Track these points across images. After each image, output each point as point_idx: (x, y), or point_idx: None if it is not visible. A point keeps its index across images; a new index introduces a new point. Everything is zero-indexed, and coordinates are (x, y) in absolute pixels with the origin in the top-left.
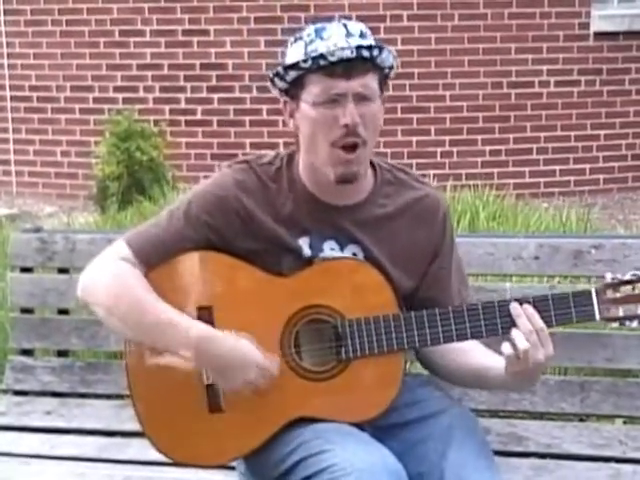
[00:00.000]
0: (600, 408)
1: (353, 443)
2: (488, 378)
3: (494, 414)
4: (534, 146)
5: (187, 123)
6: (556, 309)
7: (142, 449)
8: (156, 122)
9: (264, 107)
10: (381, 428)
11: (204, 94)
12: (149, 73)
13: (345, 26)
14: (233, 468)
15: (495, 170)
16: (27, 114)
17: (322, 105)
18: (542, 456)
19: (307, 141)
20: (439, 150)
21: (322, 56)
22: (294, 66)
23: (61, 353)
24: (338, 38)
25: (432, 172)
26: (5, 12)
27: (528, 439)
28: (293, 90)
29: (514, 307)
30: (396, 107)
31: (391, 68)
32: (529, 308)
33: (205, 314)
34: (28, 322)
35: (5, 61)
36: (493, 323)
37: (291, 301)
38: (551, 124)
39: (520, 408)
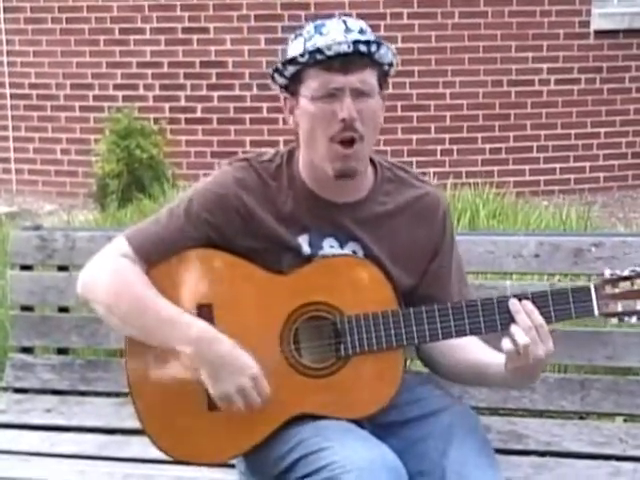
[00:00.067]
0: (600, 406)
1: (352, 440)
2: (488, 375)
3: (494, 412)
4: (534, 144)
5: (187, 121)
6: (555, 305)
7: (142, 447)
8: (156, 120)
9: (264, 105)
10: (381, 426)
11: (204, 92)
12: (149, 71)
13: (345, 22)
14: (233, 466)
15: (495, 168)
16: (27, 112)
17: (320, 100)
18: (542, 454)
19: (306, 137)
20: (439, 148)
21: (319, 50)
22: (292, 61)
23: (61, 351)
24: (337, 33)
25: (432, 170)
26: (5, 10)
27: (528, 437)
28: (292, 86)
29: (513, 303)
30: (396, 105)
31: (390, 65)
32: (528, 304)
33: (205, 312)
34: (28, 320)
35: (5, 59)
36: (492, 319)
37: (290, 298)
38: (551, 122)
39: (520, 406)
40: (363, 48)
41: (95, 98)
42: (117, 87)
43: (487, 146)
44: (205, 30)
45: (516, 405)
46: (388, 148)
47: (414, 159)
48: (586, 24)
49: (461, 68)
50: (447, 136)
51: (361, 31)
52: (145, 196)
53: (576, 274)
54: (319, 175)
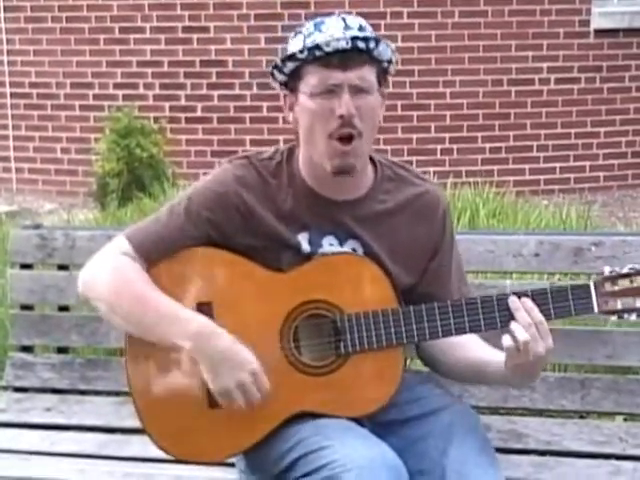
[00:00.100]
0: (600, 405)
1: (352, 438)
2: (487, 373)
3: (494, 411)
4: (534, 143)
5: (187, 120)
6: (555, 302)
7: (142, 446)
8: (156, 119)
9: (264, 104)
10: (381, 424)
11: (204, 91)
12: (149, 70)
13: (344, 20)
14: (233, 465)
15: (495, 167)
16: (27, 111)
17: (319, 96)
18: (542, 453)
19: (306, 133)
20: (439, 147)
21: (318, 46)
22: (291, 57)
23: (61, 350)
24: (336, 30)
25: (432, 169)
26: (5, 9)
27: (528, 436)
28: (292, 82)
29: (512, 301)
30: (396, 104)
31: (390, 62)
32: (528, 301)
33: (205, 310)
34: (28, 319)
35: (5, 58)
36: (492, 317)
37: (290, 296)
38: (551, 121)
39: (520, 405)
40: (362, 45)
41: (95, 97)
42: (117, 86)
43: (487, 145)
44: (205, 29)
45: (516, 404)
46: (388, 147)
47: (414, 158)
48: (586, 23)
49: (461, 67)
50: (447, 135)
51: (360, 28)
52: (145, 195)
53: (576, 273)
54: (318, 172)
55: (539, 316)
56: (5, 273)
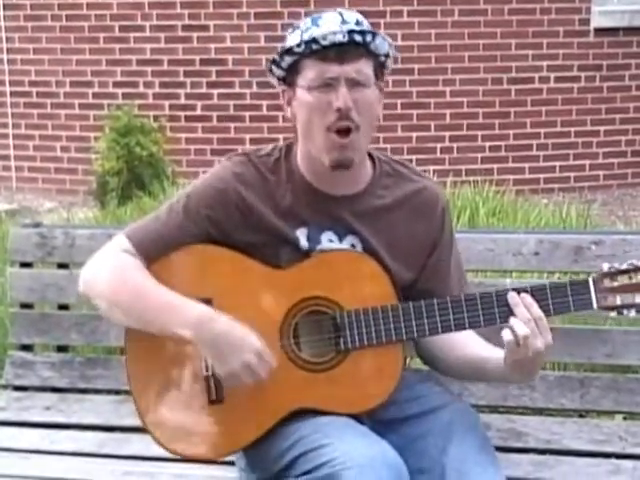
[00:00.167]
0: (600, 404)
1: (353, 437)
2: (486, 370)
3: (494, 410)
4: (534, 142)
5: (187, 118)
6: (554, 298)
7: (142, 444)
8: (156, 117)
9: (264, 103)
10: (380, 422)
11: (204, 89)
12: (149, 68)
13: (341, 14)
14: (233, 463)
15: (495, 166)
16: (27, 109)
17: (317, 89)
18: (542, 452)
19: (304, 127)
20: (439, 146)
21: (315, 40)
22: (289, 51)
23: (61, 348)
24: (332, 24)
25: (432, 168)
26: (5, 7)
27: (528, 435)
28: (290, 77)
29: (512, 296)
30: (396, 103)
31: (387, 56)
32: (527, 297)
33: None
34: (28, 317)
35: (5, 56)
36: (491, 313)
37: (290, 293)
38: (551, 120)
39: (520, 404)
40: (358, 38)
41: (95, 96)
42: (117, 84)
43: (487, 144)
44: (205, 28)
45: (516, 403)
46: (388, 146)
47: (414, 157)
48: (586, 22)
49: (461, 66)
50: (447, 134)
51: (357, 22)
52: (145, 194)
53: (576, 272)
54: (317, 167)
55: (538, 312)
56: (5, 272)
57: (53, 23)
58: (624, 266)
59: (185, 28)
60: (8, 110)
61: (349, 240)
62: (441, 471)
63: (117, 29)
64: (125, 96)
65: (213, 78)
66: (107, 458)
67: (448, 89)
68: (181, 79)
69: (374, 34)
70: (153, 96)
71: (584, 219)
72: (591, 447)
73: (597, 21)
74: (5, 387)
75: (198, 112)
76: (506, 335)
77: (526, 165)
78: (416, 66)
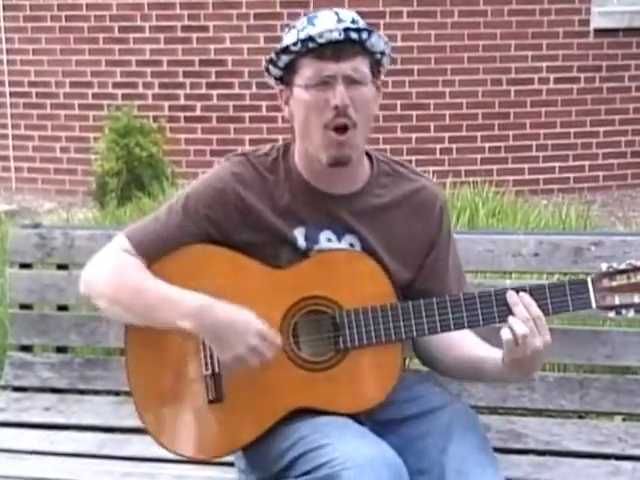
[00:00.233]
0: (599, 405)
1: (352, 437)
2: (485, 370)
3: (493, 411)
4: (533, 143)
5: (186, 119)
6: (552, 298)
7: (141, 445)
8: (155, 118)
9: (263, 103)
10: (380, 423)
11: (203, 90)
12: (148, 69)
13: (337, 13)
14: (232, 464)
15: (494, 167)
16: (26, 110)
17: (314, 87)
18: (541, 453)
19: (301, 126)
20: (438, 147)
21: (311, 38)
22: (285, 50)
23: (60, 349)
24: (328, 22)
25: (431, 169)
26: (4, 7)
27: (527, 436)
28: (287, 76)
29: (511, 295)
30: (395, 104)
31: (383, 54)
32: (526, 297)
33: None
34: (27, 318)
35: (4, 57)
36: (490, 312)
37: (290, 293)
38: (550, 121)
39: (519, 405)
40: (354, 35)
41: (94, 96)
42: (116, 85)
43: (486, 145)
44: (204, 28)
45: (515, 404)
46: (387, 147)
47: (413, 158)
48: (586, 23)
49: (460, 67)
50: (446, 135)
51: (353, 21)
52: (144, 194)
53: (575, 273)
54: (315, 166)
55: (537, 311)
56: (4, 272)
57: (53, 24)
58: (623, 266)
59: (185, 29)
60: (7, 111)
61: (347, 239)
62: (440, 471)
63: (117, 30)
64: (125, 97)
65: (213, 79)
66: (107, 459)
67: (448, 90)
68: (181, 80)
69: (370, 32)
70: (153, 97)
71: (584, 220)
72: (590, 448)
73: (597, 22)
74: (4, 388)
75: (198, 113)
76: (505, 334)
77: (526, 166)
78: (416, 67)
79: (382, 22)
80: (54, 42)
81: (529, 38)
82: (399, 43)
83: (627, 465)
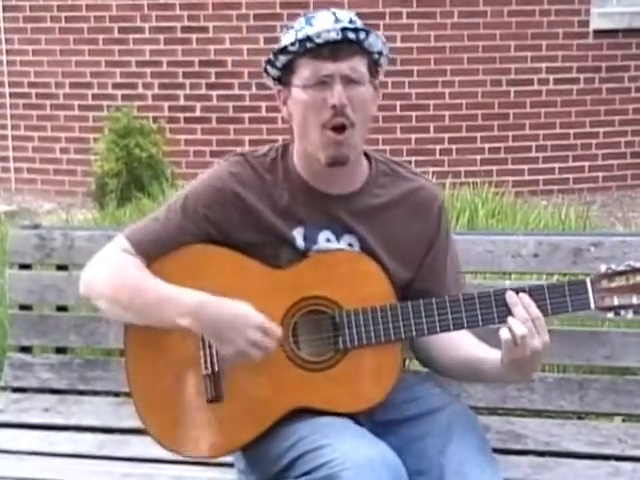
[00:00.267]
0: (599, 406)
1: (352, 438)
2: (484, 370)
3: (493, 412)
4: (533, 144)
5: (186, 120)
6: (551, 298)
7: (141, 446)
8: (155, 119)
9: (263, 104)
10: (379, 424)
11: (203, 91)
12: (148, 70)
13: (334, 14)
14: (232, 465)
15: (494, 168)
16: (26, 111)
17: (312, 87)
18: (541, 454)
19: (299, 126)
20: (438, 147)
21: (309, 38)
22: (283, 50)
23: (60, 350)
24: (326, 23)
25: (431, 169)
26: (4, 8)
27: (527, 437)
28: (285, 76)
29: (510, 296)
30: (395, 104)
31: (380, 53)
32: (525, 297)
33: None
34: (27, 319)
35: (4, 57)
36: (489, 312)
37: (289, 293)
38: (550, 122)
39: (519, 406)
40: (352, 35)
41: (94, 97)
42: (116, 86)
43: (486, 145)
44: (204, 29)
45: (515, 405)
46: (387, 147)
47: (413, 158)
48: (585, 23)
49: (460, 68)
50: (446, 135)
51: (350, 21)
52: (144, 195)
53: (575, 274)
54: (313, 166)
55: (536, 312)
56: (4, 273)
57: (52, 24)
58: (621, 267)
59: (184, 30)
60: (7, 111)
61: (346, 239)
62: (439, 472)
63: (116, 30)
64: (124, 97)
65: (212, 79)
66: (106, 460)
67: (447, 91)
68: (180, 80)
69: (367, 32)
70: (152, 97)
71: (583, 221)
72: (590, 449)
73: (596, 23)
74: (4, 389)
75: (197, 113)
76: (504, 334)
77: (525, 167)
78: (415, 68)
79: (382, 23)
80: (54, 43)
81: (529, 39)
82: (399, 44)
83: (627, 466)
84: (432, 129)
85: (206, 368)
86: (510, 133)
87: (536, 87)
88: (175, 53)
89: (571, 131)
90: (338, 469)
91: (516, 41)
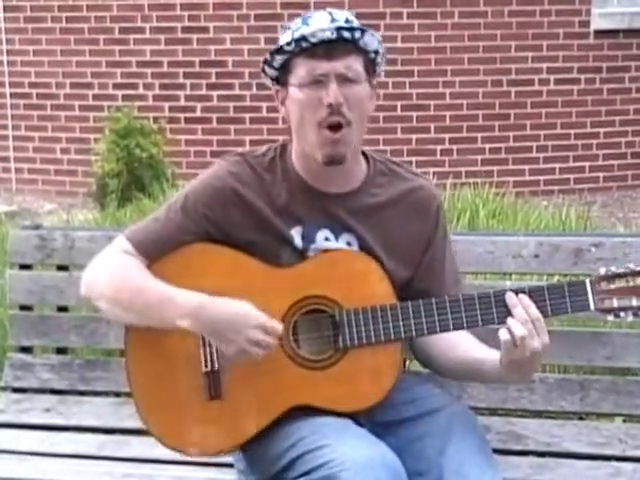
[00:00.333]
0: (600, 406)
1: (351, 438)
2: (483, 371)
3: (493, 412)
4: (534, 144)
5: (187, 120)
6: (551, 299)
7: (141, 447)
8: (155, 119)
9: (264, 104)
10: (378, 424)
11: (204, 91)
12: (149, 70)
13: (331, 13)
14: (232, 466)
15: (495, 168)
16: (26, 111)
17: (307, 86)
18: (541, 454)
19: (297, 125)
20: (439, 148)
21: (304, 38)
22: (279, 50)
23: (60, 350)
24: (322, 22)
25: (432, 170)
26: (5, 9)
27: (527, 437)
28: (282, 76)
29: (510, 297)
30: (396, 105)
31: (376, 53)
32: (525, 298)
33: None
34: (27, 319)
35: (5, 58)
36: (489, 313)
37: (290, 292)
38: (551, 122)
39: (519, 406)
40: (346, 34)
41: (95, 97)
42: (117, 86)
43: (487, 146)
44: (205, 29)
45: (515, 405)
46: (388, 147)
47: (414, 159)
48: (586, 24)
49: (461, 68)
50: (447, 136)
51: (347, 21)
52: (145, 195)
53: (576, 274)
54: (311, 165)
55: (536, 312)
56: (4, 273)
57: (53, 25)
58: (621, 270)
59: (185, 30)
60: (8, 112)
61: (345, 238)
62: (439, 473)
63: (117, 31)
64: (125, 98)
65: (213, 80)
66: (106, 460)
67: (448, 91)
68: (181, 81)
69: (363, 30)
70: (153, 98)
71: (584, 221)
72: (591, 450)
73: (597, 23)
74: (4, 389)
75: (198, 114)
76: (503, 335)
77: (526, 167)
78: (416, 68)
79: (382, 23)
80: (54, 43)
81: (529, 39)
82: (399, 44)
83: (627, 466)
84: (433, 129)
85: (206, 366)
86: (511, 133)
87: (537, 87)
88: (176, 53)
89: (572, 131)
90: (337, 469)
91: (517, 41)
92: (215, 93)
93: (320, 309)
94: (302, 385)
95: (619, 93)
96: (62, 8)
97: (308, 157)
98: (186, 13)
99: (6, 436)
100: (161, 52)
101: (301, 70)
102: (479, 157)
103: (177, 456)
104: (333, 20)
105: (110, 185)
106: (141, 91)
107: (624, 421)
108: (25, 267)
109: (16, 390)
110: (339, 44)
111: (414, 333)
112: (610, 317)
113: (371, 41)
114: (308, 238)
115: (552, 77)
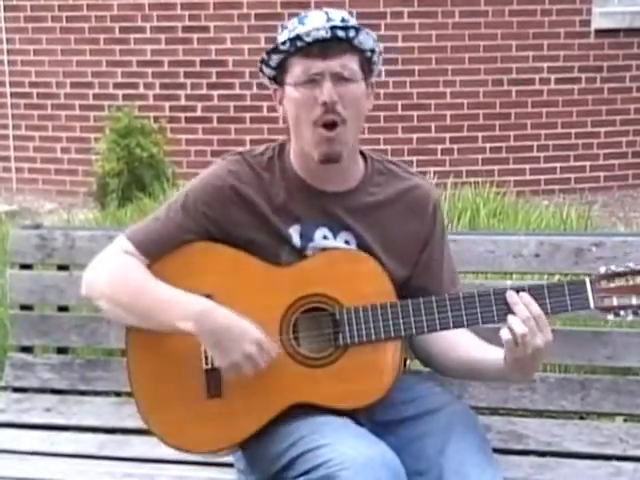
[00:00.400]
0: (600, 406)
1: (351, 437)
2: (483, 370)
3: (494, 412)
4: (535, 143)
5: (187, 120)
6: (551, 298)
7: (142, 446)
8: (156, 119)
9: (264, 104)
10: (379, 424)
11: (204, 91)
12: (149, 70)
13: (327, 13)
14: (232, 465)
15: (496, 167)
16: (27, 110)
17: (303, 85)
18: (542, 454)
19: (293, 124)
20: (439, 147)
21: (299, 37)
22: (276, 50)
23: (61, 350)
24: (317, 22)
25: (432, 169)
26: (5, 8)
27: (528, 437)
28: (279, 76)
29: (510, 294)
30: (396, 104)
31: (372, 51)
32: (525, 296)
33: None
34: (28, 319)
35: (5, 57)
36: (489, 310)
37: (290, 290)
38: (552, 121)
39: (520, 406)
40: (341, 33)
41: (95, 97)
42: (117, 86)
43: (487, 145)
44: (205, 29)
45: (516, 405)
46: (388, 147)
47: (414, 158)
48: (587, 23)
49: (461, 67)
50: (447, 135)
51: (342, 20)
52: (145, 195)
53: (577, 274)
54: (309, 163)
55: (537, 310)
56: (5, 273)
57: (53, 24)
58: (621, 269)
59: (185, 29)
60: (8, 111)
61: (343, 236)
62: (439, 473)
63: (117, 30)
64: (125, 97)
65: (213, 79)
66: (107, 460)
67: (449, 90)
68: (181, 80)
69: (357, 29)
70: (153, 97)
71: (585, 221)
72: (592, 449)
73: (598, 22)
74: (5, 389)
75: (198, 113)
76: (504, 334)
77: (527, 166)
78: (417, 67)
79: (383, 23)
80: (55, 42)
81: (530, 38)
82: (400, 43)
83: (628, 466)
84: (433, 129)
85: (207, 363)
86: (511, 133)
87: (537, 87)
88: (176, 53)
89: (572, 131)
90: (337, 469)
91: (517, 41)
92: (215, 93)
93: (320, 307)
94: (302, 383)
95: (620, 92)
96: (62, 7)
97: (306, 156)
98: (187, 12)
99: (7, 436)
100: (162, 51)
101: (297, 69)
102: (480, 156)
103: (178, 456)
104: (329, 19)
105: (110, 185)
106: (141, 90)
107: (625, 421)
108: (25, 267)
109: (17, 390)
110: (334, 43)
111: (414, 331)
112: (610, 316)
113: (366, 40)
114: (306, 237)
115: (553, 76)
